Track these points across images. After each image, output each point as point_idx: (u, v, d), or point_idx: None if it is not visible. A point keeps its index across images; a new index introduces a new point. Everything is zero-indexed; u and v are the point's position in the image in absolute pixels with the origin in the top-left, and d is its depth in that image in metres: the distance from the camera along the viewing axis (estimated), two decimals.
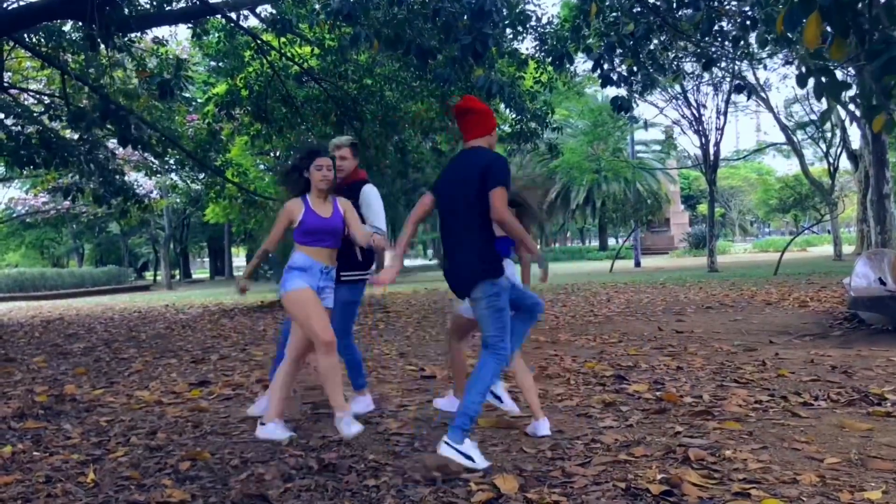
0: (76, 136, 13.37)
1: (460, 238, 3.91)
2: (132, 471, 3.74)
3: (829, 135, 29.34)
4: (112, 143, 16.70)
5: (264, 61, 13.15)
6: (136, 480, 3.59)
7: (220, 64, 18.66)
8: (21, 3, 11.32)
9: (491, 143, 4.10)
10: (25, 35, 11.78)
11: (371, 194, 4.93)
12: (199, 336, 10.95)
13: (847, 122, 26.71)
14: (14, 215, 35.20)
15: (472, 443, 3.65)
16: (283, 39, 12.21)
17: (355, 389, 5.11)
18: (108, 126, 11.44)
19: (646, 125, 25.60)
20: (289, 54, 12.81)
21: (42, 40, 12.40)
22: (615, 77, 9.46)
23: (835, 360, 6.60)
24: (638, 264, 30.95)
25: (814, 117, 30.30)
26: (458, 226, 3.92)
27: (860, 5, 4.07)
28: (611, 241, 54.49)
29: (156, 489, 3.43)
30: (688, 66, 16.18)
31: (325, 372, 4.16)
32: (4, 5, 12.11)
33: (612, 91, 10.33)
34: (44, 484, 3.60)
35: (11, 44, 13.33)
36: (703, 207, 59.43)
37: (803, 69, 4.47)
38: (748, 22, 9.23)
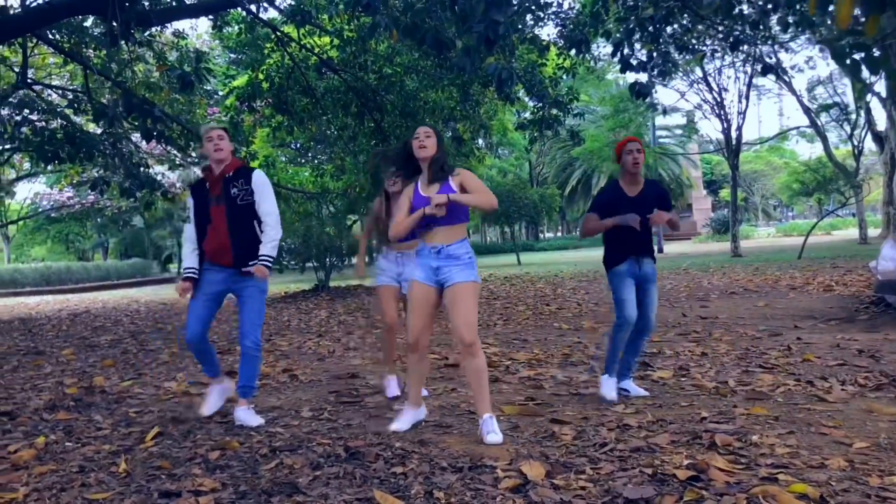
0: (100, 131, 13.48)
1: None
2: (163, 461, 3.79)
3: (853, 116, 28.94)
4: (136, 136, 16.83)
5: (284, 53, 13.18)
6: (167, 470, 3.64)
7: (241, 56, 18.72)
8: (44, 0, 11.40)
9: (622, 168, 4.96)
10: (48, 32, 11.86)
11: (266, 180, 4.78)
12: (224, 327, 11.03)
13: (872, 104, 26.36)
14: (39, 210, 35.61)
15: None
16: (302, 30, 12.23)
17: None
18: (131, 120, 11.52)
19: (664, 111, 25.40)
20: (308, 45, 12.84)
21: (64, 36, 12.49)
22: (634, 62, 9.39)
23: (861, 344, 6.56)
24: (661, 250, 30.77)
25: (837, 99, 29.91)
26: None
27: None
28: None
29: (187, 478, 3.48)
30: (710, 49, 16.00)
31: (470, 374, 4.11)
32: (27, 3, 12.23)
33: (632, 77, 10.29)
34: (77, 473, 3.66)
35: (34, 41, 13.45)
36: (725, 192, 58.95)
37: (833, 50, 4.47)
38: (769, 5, 9.13)
